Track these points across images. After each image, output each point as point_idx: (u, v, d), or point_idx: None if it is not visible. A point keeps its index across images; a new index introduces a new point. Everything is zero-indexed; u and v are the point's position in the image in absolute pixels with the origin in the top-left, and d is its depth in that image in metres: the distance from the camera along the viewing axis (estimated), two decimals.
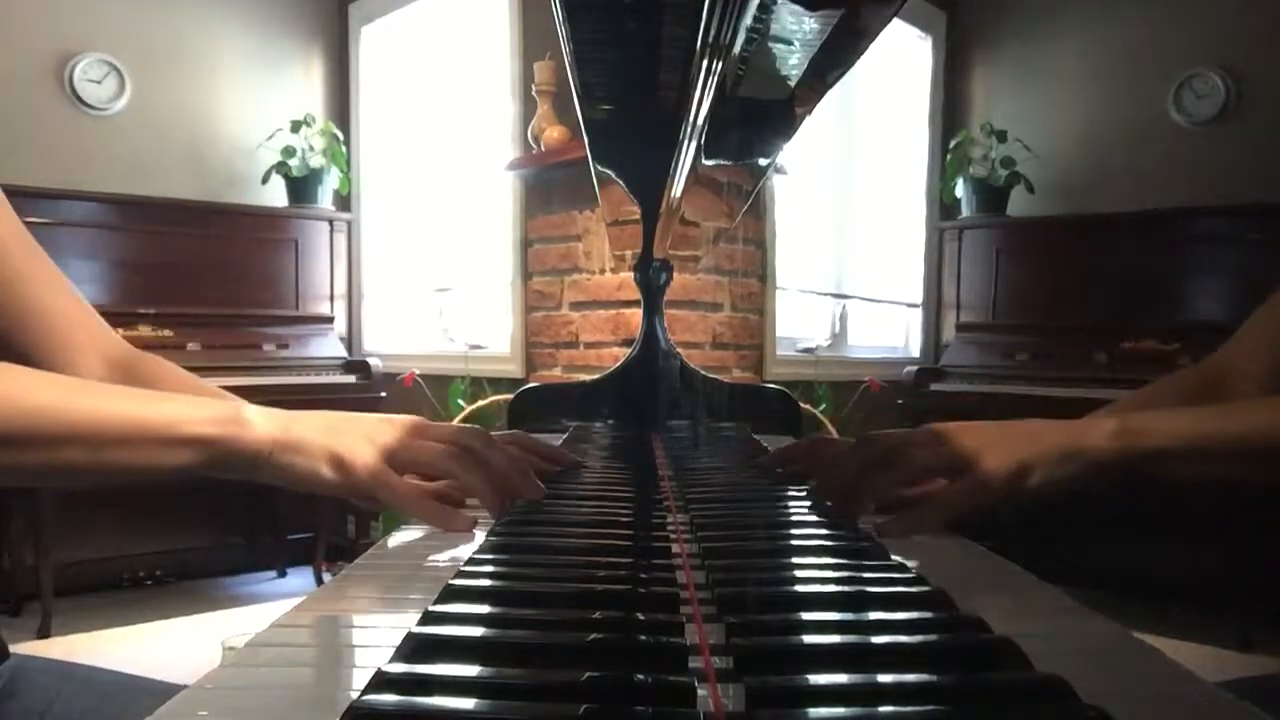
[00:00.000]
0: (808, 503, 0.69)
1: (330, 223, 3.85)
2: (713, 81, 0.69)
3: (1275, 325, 0.84)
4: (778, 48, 0.68)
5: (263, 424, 0.60)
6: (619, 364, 1.29)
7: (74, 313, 0.84)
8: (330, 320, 3.79)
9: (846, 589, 0.45)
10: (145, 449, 0.58)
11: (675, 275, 1.31)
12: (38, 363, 0.82)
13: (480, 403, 3.14)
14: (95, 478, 0.59)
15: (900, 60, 4.03)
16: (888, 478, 0.64)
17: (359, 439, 0.62)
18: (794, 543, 0.57)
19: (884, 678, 0.33)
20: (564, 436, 1.14)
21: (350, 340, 4.01)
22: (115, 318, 1.06)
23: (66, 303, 0.84)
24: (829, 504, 0.67)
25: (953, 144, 3.82)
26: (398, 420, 0.65)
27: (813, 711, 0.30)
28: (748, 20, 0.60)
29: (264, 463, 0.60)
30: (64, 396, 0.57)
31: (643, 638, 0.36)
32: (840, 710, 0.30)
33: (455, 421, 3.01)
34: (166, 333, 3.14)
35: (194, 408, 0.60)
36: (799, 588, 0.46)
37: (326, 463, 0.61)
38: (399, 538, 0.62)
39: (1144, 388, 0.89)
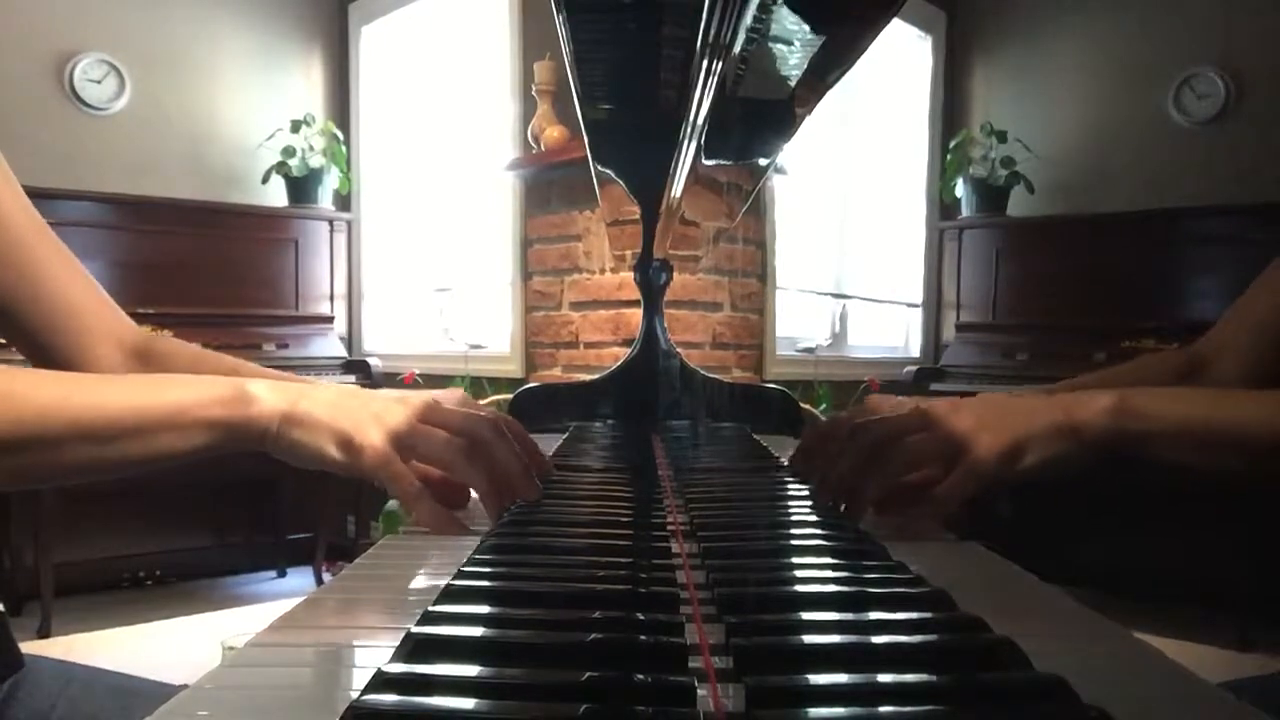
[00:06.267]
0: (808, 503, 0.69)
1: (330, 223, 3.85)
2: (713, 81, 0.69)
3: (1256, 309, 0.85)
4: (778, 48, 0.68)
5: (270, 399, 0.60)
6: (619, 364, 1.29)
7: (88, 298, 0.84)
8: (330, 320, 3.79)
9: (847, 589, 0.45)
10: (153, 438, 0.57)
11: (675, 275, 1.31)
12: (53, 348, 0.81)
13: (480, 402, 3.13)
14: (107, 473, 0.58)
15: (900, 60, 4.03)
16: (882, 474, 0.64)
17: (368, 419, 0.61)
18: (794, 542, 0.57)
19: (884, 678, 0.33)
20: (564, 436, 1.14)
21: (350, 340, 4.01)
22: None
23: (81, 288, 0.83)
24: (828, 504, 0.67)
25: (953, 144, 3.82)
26: (410, 399, 0.64)
27: (813, 711, 0.30)
28: (748, 20, 0.60)
29: (271, 438, 0.60)
30: (65, 394, 0.56)
31: (642, 638, 0.36)
32: (840, 710, 0.30)
33: None
34: (166, 333, 3.14)
35: (198, 390, 0.59)
36: (799, 588, 0.46)
37: (333, 442, 0.60)
38: (399, 538, 0.62)
39: (1126, 363, 0.90)
